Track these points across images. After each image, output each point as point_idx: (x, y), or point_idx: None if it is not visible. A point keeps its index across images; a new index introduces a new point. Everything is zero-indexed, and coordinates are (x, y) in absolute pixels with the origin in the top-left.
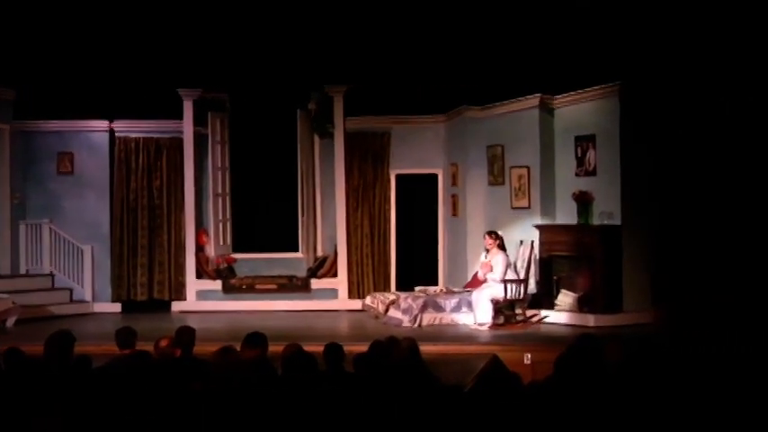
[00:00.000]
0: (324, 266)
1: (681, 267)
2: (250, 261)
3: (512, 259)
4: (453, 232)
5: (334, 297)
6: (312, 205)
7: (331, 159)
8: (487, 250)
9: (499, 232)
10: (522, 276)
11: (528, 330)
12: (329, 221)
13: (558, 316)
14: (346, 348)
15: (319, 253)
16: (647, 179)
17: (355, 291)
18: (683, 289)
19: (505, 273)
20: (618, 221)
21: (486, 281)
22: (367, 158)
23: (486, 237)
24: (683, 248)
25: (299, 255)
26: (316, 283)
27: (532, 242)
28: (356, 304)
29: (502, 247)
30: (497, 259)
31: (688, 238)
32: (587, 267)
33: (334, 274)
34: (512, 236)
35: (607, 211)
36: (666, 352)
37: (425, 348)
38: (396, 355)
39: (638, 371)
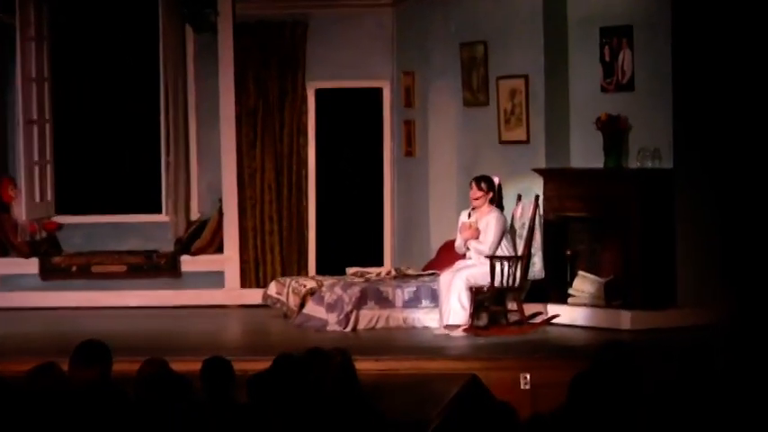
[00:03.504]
0: (202, 236)
1: None
2: (84, 228)
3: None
4: (408, 181)
5: (219, 285)
6: (183, 139)
7: (213, 65)
8: (473, 208)
9: (496, 179)
10: (519, 251)
11: (526, 337)
12: (211, 164)
13: (574, 313)
14: (237, 366)
15: (195, 215)
16: (716, 95)
17: (252, 274)
18: None
19: (499, 244)
20: (668, 164)
21: (465, 255)
22: (270, 64)
23: (473, 186)
24: None
25: (161, 217)
26: (189, 263)
27: (537, 197)
28: (254, 296)
29: (497, 203)
30: (490, 220)
31: None
32: (619, 236)
33: (219, 249)
34: (503, 188)
35: (651, 147)
36: (743, 370)
37: (364, 365)
38: (317, 375)
39: (697, 399)
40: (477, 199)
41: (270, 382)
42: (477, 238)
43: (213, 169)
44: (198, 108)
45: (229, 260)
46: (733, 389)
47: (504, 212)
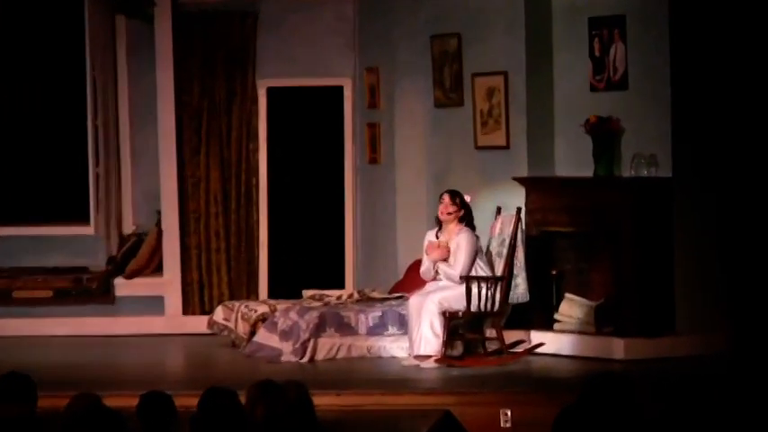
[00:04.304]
0: (138, 255)
1: None
2: (1, 241)
3: (482, 242)
4: (372, 192)
5: (158, 311)
6: (114, 143)
7: (149, 60)
8: (440, 224)
9: (467, 197)
10: (499, 272)
11: (507, 368)
12: (147, 169)
13: (560, 341)
14: (179, 402)
15: (129, 227)
16: (720, 95)
17: (196, 299)
18: None
19: (472, 266)
20: (666, 172)
21: (436, 278)
22: (216, 60)
23: (446, 198)
24: None
25: (91, 230)
26: (124, 287)
27: (519, 210)
28: (198, 323)
29: (468, 221)
30: (460, 241)
31: None
32: (611, 254)
33: (158, 268)
34: (479, 200)
35: (646, 152)
36: (747, 404)
37: (323, 401)
38: (268, 411)
39: None
40: (449, 214)
41: (214, 420)
42: (446, 257)
43: (150, 175)
44: (132, 107)
45: (170, 284)
46: (735, 425)
47: (478, 230)
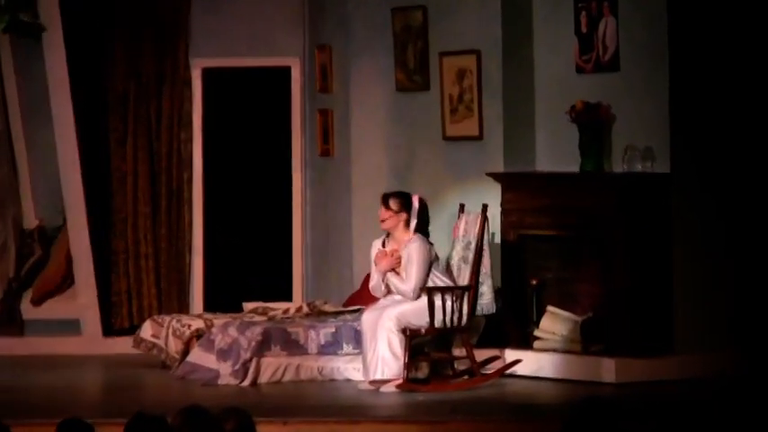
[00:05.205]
0: (47, 272)
1: None
2: None
3: (443, 250)
4: (324, 189)
5: (75, 331)
6: (7, 144)
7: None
8: (387, 235)
9: (415, 197)
10: (466, 281)
11: (479, 391)
12: (46, 160)
13: (541, 361)
14: (101, 431)
15: (32, 222)
16: (726, 78)
17: (124, 314)
18: None
19: (426, 279)
20: (663, 167)
21: (388, 294)
22: (143, 36)
23: (381, 204)
24: None
25: None
26: (32, 311)
27: (485, 208)
28: (122, 344)
29: (419, 226)
30: (410, 252)
31: None
32: (600, 261)
33: (71, 284)
34: (446, 197)
35: (641, 144)
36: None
37: (268, 430)
38: None
39: None
40: (383, 221)
41: None
42: (398, 267)
43: (50, 165)
44: (25, 102)
45: (85, 307)
46: None
47: (438, 230)
